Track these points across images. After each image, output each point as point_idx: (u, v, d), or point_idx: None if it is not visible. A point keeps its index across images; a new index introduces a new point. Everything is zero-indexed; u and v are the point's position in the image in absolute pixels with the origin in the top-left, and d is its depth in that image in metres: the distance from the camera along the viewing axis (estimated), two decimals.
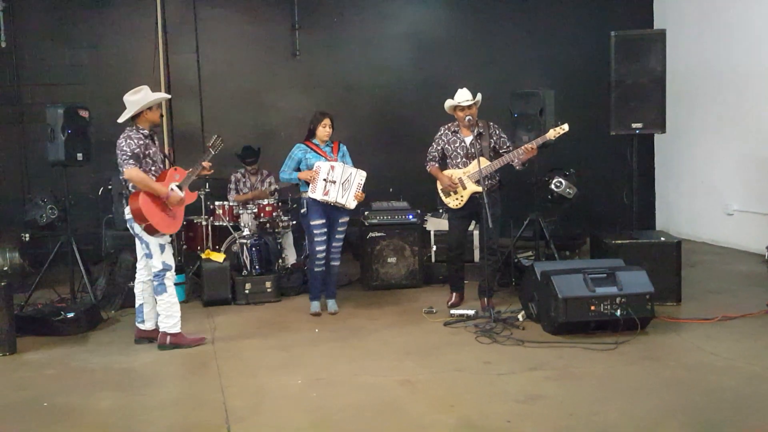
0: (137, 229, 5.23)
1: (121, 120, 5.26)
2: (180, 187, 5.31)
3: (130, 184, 5.22)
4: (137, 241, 5.35)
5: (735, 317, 5.59)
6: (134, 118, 5.24)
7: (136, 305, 5.47)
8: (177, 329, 5.30)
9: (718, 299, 6.19)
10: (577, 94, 8.76)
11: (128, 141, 5.15)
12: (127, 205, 5.22)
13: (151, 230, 5.18)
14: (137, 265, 5.50)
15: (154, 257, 5.24)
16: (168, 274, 5.26)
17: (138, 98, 5.20)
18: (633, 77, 6.10)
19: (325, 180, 5.95)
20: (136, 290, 5.49)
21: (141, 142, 5.17)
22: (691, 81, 9.02)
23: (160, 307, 5.26)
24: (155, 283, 5.28)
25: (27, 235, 7.03)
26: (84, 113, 6.49)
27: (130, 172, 5.08)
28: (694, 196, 9.32)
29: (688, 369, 4.55)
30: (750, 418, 3.83)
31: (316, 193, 5.95)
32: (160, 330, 5.29)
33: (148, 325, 5.45)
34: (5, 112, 8.17)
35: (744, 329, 5.33)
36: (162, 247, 5.25)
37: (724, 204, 8.74)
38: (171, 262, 5.31)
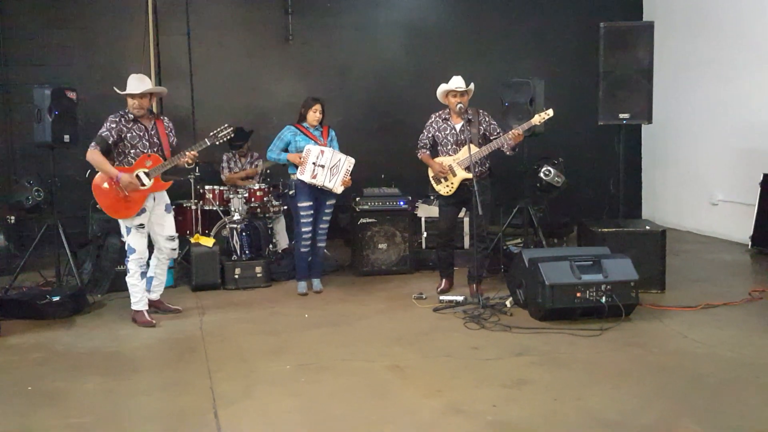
0: None
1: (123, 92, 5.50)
2: (148, 175, 5.40)
3: None
4: None
5: (718, 305, 5.66)
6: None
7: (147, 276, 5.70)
8: (138, 307, 5.52)
9: (702, 287, 6.27)
10: (567, 84, 8.81)
11: (105, 123, 5.41)
12: None
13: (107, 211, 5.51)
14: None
15: (124, 237, 5.52)
16: (131, 256, 5.46)
17: (129, 82, 5.42)
18: (621, 68, 6.13)
19: (314, 164, 6.03)
20: (151, 262, 5.71)
21: (114, 126, 5.37)
22: (678, 72, 9.07)
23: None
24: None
25: (12, 217, 6.99)
26: (71, 95, 6.42)
27: (89, 153, 5.33)
28: (679, 186, 9.40)
29: (671, 355, 4.62)
30: (731, 403, 3.89)
31: (304, 175, 6.04)
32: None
33: (152, 296, 5.73)
34: None
35: (726, 317, 5.41)
36: (128, 230, 5.46)
37: (709, 194, 8.82)
38: (135, 246, 5.45)
